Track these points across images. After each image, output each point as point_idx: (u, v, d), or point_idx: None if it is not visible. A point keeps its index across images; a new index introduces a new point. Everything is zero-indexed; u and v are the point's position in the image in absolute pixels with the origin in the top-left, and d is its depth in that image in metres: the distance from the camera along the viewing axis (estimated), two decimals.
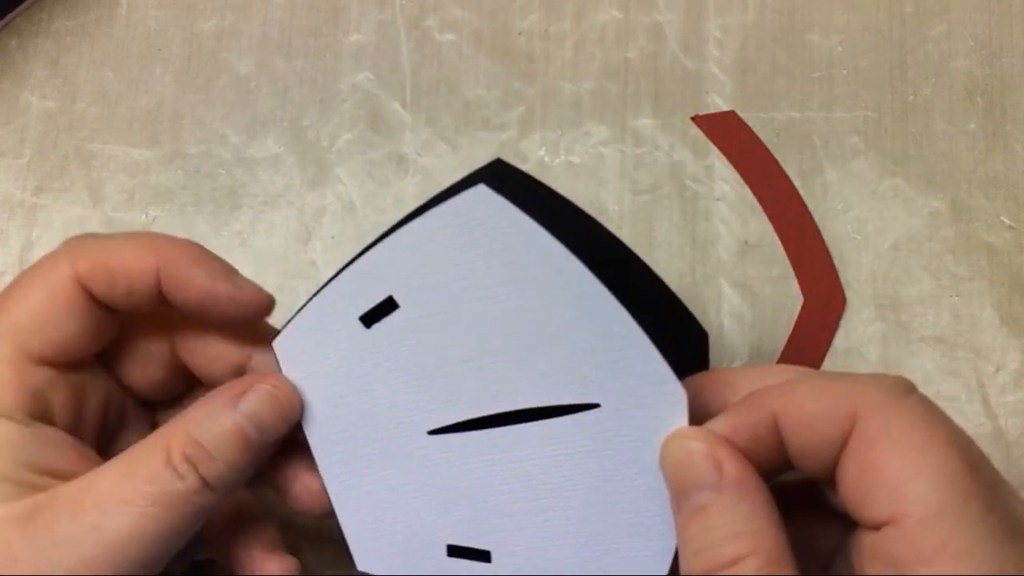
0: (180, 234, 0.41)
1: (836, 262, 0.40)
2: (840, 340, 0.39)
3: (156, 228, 0.41)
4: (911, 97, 0.41)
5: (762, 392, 0.27)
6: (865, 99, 0.41)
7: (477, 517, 0.30)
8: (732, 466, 0.26)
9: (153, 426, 0.34)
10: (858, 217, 0.40)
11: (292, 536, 0.37)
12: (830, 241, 0.40)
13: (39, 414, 0.30)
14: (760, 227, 0.40)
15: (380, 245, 0.30)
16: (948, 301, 0.39)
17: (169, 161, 0.41)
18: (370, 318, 0.30)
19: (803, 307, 0.39)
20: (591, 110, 0.41)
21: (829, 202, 0.40)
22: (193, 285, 0.30)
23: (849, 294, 0.39)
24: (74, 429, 0.31)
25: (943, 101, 0.41)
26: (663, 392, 0.28)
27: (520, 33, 0.42)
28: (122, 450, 0.33)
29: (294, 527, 0.37)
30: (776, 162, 0.41)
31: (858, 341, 0.39)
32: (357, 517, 0.32)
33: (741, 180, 0.41)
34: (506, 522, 0.30)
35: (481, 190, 0.28)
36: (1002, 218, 0.40)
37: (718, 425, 0.27)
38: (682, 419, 0.28)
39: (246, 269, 0.40)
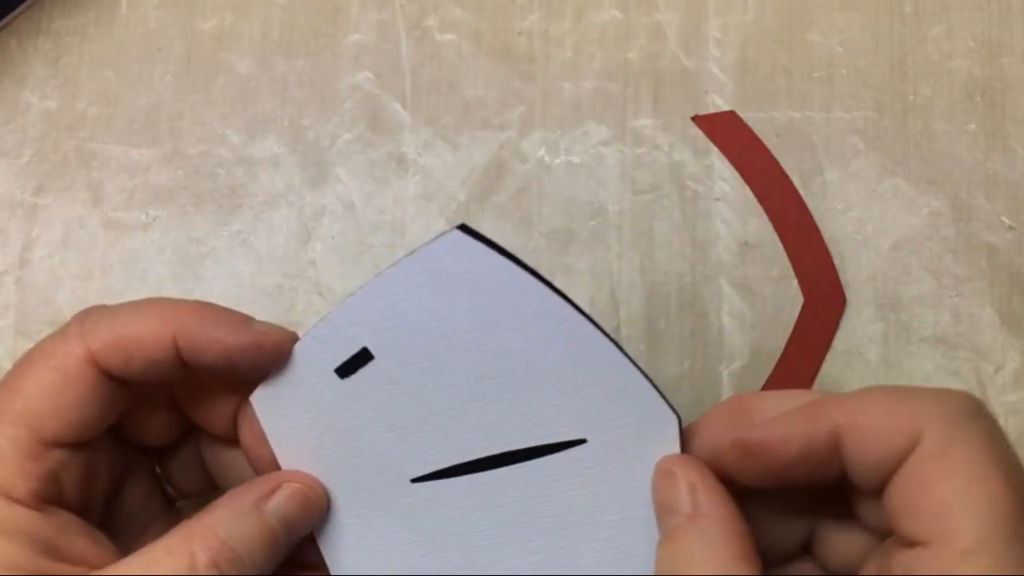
0: (180, 234, 0.41)
1: (836, 262, 0.40)
2: (840, 340, 0.39)
3: (156, 228, 0.41)
4: (911, 97, 0.41)
5: (823, 402, 0.27)
6: (865, 99, 0.41)
7: (469, 562, 0.30)
8: (705, 496, 0.27)
9: (154, 476, 0.33)
10: (858, 217, 0.40)
11: None
12: (830, 241, 0.40)
13: (51, 497, 0.29)
14: (760, 227, 0.40)
15: (354, 295, 0.29)
16: (948, 301, 0.39)
17: (169, 161, 0.41)
18: (345, 370, 0.30)
19: (803, 307, 0.39)
20: (591, 110, 0.41)
21: (829, 202, 0.40)
22: (215, 345, 0.29)
23: (849, 294, 0.39)
24: (84, 505, 0.30)
25: (943, 101, 0.41)
26: (654, 419, 0.29)
27: (520, 33, 0.42)
28: (126, 501, 0.32)
29: None
30: (776, 162, 0.41)
31: (858, 341, 0.39)
32: (348, 569, 0.31)
33: (741, 180, 0.41)
34: (499, 566, 0.30)
35: (455, 235, 0.28)
36: (1002, 218, 0.40)
37: (768, 430, 0.27)
38: (674, 445, 0.29)
39: (246, 269, 0.40)
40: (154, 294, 0.40)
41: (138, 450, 0.33)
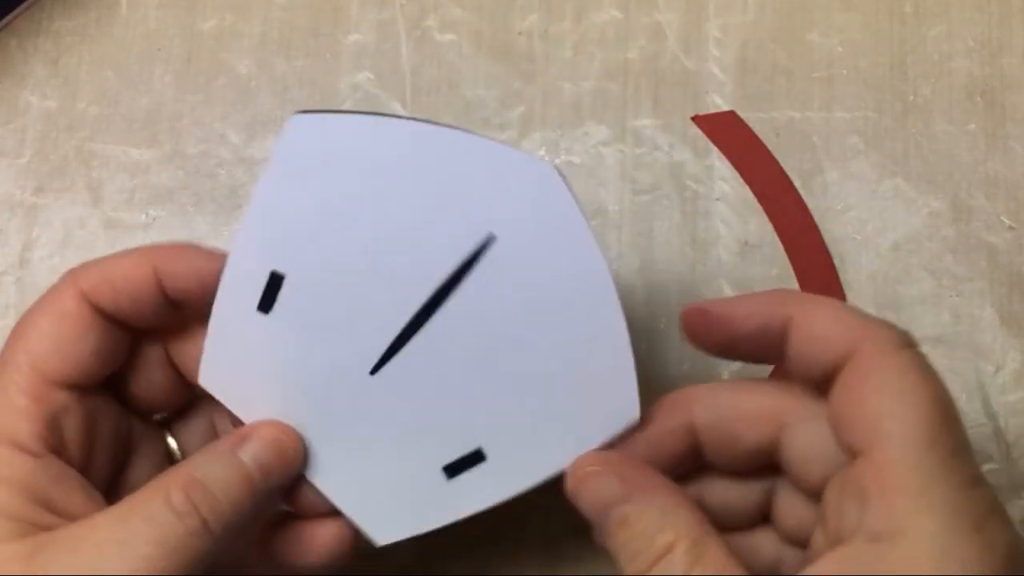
0: (180, 234, 0.41)
1: (836, 262, 0.40)
2: None
3: (156, 228, 0.41)
4: (911, 97, 0.41)
5: (784, 293, 0.30)
6: (865, 99, 0.41)
7: (455, 423, 0.30)
8: (632, 474, 0.29)
9: (166, 453, 0.34)
10: (858, 217, 0.40)
11: None
12: (830, 241, 0.40)
13: (53, 444, 0.30)
14: (760, 227, 0.40)
15: (237, 231, 0.30)
16: (948, 301, 0.39)
17: (169, 161, 0.42)
18: (266, 303, 0.30)
19: None
20: (591, 110, 0.41)
21: (829, 202, 0.40)
22: (192, 270, 0.30)
23: (849, 294, 0.39)
24: (86, 460, 0.31)
25: (943, 101, 0.41)
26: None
27: (520, 33, 0.42)
28: (135, 476, 0.33)
29: None
30: (776, 162, 0.41)
31: None
32: (353, 495, 0.31)
33: (741, 180, 0.41)
34: (481, 409, 0.30)
35: (293, 120, 0.29)
36: (1002, 218, 0.40)
37: (733, 304, 0.30)
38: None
39: None
40: None
41: (149, 423, 0.34)
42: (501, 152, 0.29)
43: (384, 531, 0.31)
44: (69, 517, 0.29)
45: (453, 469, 0.30)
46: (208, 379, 0.31)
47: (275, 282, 0.30)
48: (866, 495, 0.26)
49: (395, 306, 0.30)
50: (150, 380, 0.32)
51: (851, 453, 0.27)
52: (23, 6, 0.43)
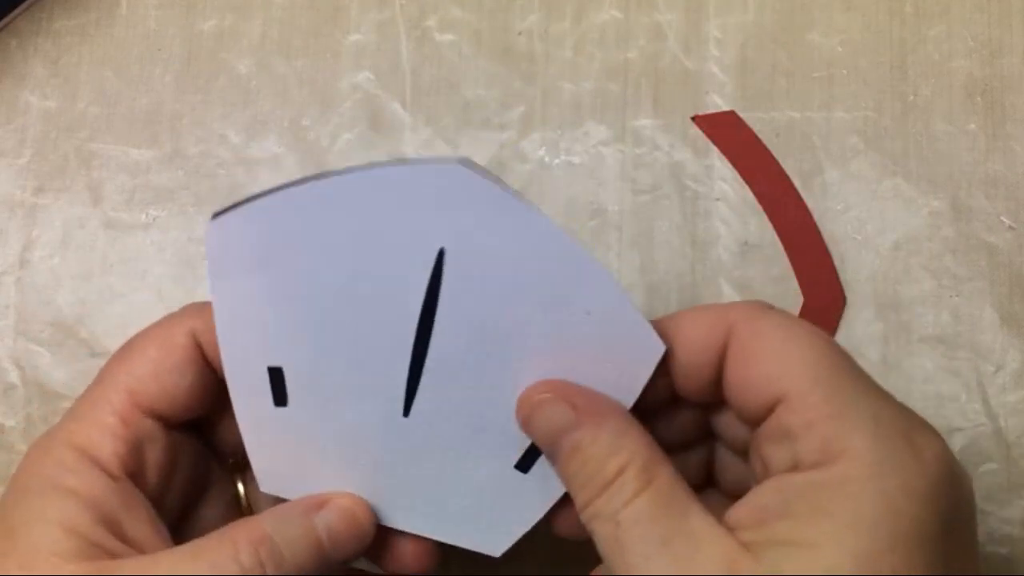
0: (180, 234, 0.41)
1: (836, 262, 0.40)
2: (840, 340, 0.39)
3: (156, 228, 0.41)
4: (911, 97, 0.41)
5: (658, 324, 0.30)
6: (865, 99, 0.41)
7: (504, 422, 0.30)
8: (582, 400, 0.29)
9: (234, 499, 0.34)
10: (858, 217, 0.40)
11: None
12: (830, 241, 0.40)
13: (132, 469, 0.30)
14: (760, 227, 0.40)
15: (218, 335, 0.30)
16: (948, 301, 0.39)
17: (169, 161, 0.41)
18: (279, 398, 0.31)
19: (803, 307, 0.39)
20: (591, 110, 0.41)
21: (829, 202, 0.40)
22: None
23: (849, 294, 0.39)
24: (161, 492, 0.31)
25: (943, 101, 0.41)
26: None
27: (520, 33, 0.42)
28: (203, 515, 0.33)
29: None
30: (776, 162, 0.41)
31: (858, 341, 0.39)
32: (450, 526, 0.31)
33: (741, 180, 0.41)
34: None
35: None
36: (1002, 218, 0.40)
37: None
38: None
39: None
40: (154, 294, 0.40)
41: (224, 466, 0.34)
42: (409, 173, 0.29)
43: (497, 542, 0.32)
44: (134, 546, 0.29)
45: (525, 463, 0.31)
46: (268, 485, 0.31)
47: (277, 376, 0.31)
48: (792, 434, 0.27)
49: (392, 348, 0.30)
50: (233, 427, 0.32)
51: (763, 414, 0.28)
52: (23, 6, 0.43)
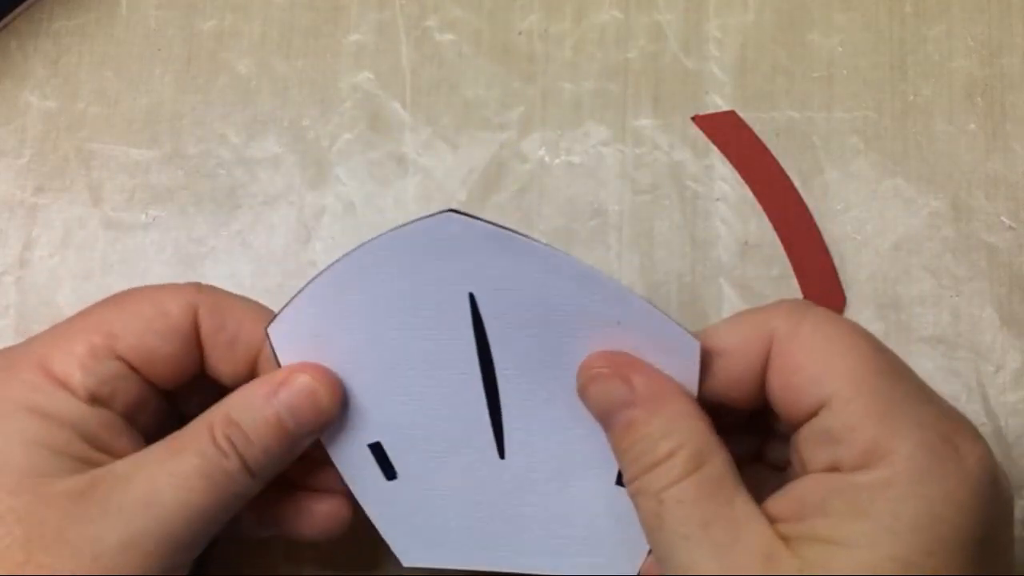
0: (180, 234, 0.41)
1: (836, 262, 0.40)
2: None
3: (156, 228, 0.41)
4: (911, 97, 0.41)
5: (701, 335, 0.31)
6: (865, 99, 0.41)
7: (594, 448, 0.30)
8: (641, 380, 0.29)
9: None
10: (858, 217, 0.40)
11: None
12: (830, 241, 0.40)
13: (102, 399, 0.30)
14: (760, 227, 0.40)
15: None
16: (948, 301, 0.39)
17: (169, 161, 0.41)
18: (388, 472, 0.32)
19: None
20: (591, 110, 0.41)
21: (829, 202, 0.40)
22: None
23: (849, 294, 0.39)
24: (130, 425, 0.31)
25: (943, 101, 0.41)
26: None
27: (520, 33, 0.42)
28: None
29: None
30: (776, 162, 0.41)
31: None
32: (582, 559, 0.32)
33: (741, 180, 0.41)
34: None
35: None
36: (1002, 218, 0.40)
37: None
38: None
39: (246, 269, 0.40)
40: None
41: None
42: (410, 231, 0.30)
43: (627, 562, 0.32)
44: (117, 457, 0.29)
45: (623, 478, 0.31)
46: (410, 559, 0.32)
47: (379, 451, 0.31)
48: (834, 438, 0.27)
49: (466, 397, 0.31)
50: (202, 401, 0.32)
51: (806, 418, 0.28)
52: (23, 6, 0.43)
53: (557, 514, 0.31)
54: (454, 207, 0.30)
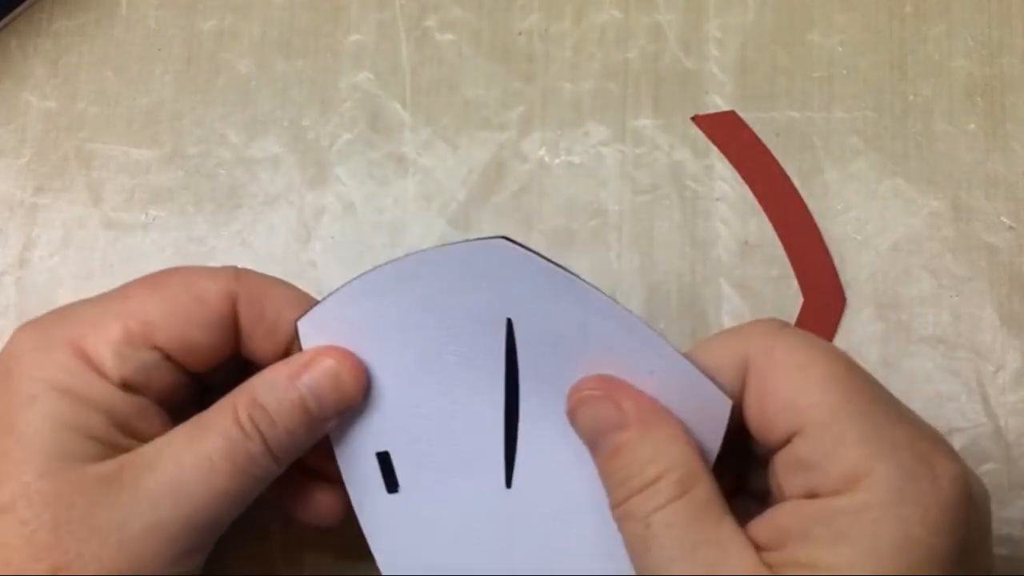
0: (180, 234, 0.41)
1: (836, 262, 0.40)
2: (840, 340, 0.39)
3: (156, 228, 0.41)
4: (911, 97, 0.41)
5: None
6: (865, 99, 0.41)
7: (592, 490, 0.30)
8: (631, 403, 0.29)
9: None
10: (858, 217, 0.40)
11: (292, 534, 0.37)
12: (830, 241, 0.40)
13: (137, 387, 0.30)
14: (760, 227, 0.40)
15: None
16: (948, 301, 0.39)
17: (169, 161, 0.41)
18: (391, 484, 0.31)
19: (803, 307, 0.39)
20: (591, 110, 0.41)
21: (829, 202, 0.40)
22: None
23: (849, 294, 0.39)
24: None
25: (943, 101, 0.41)
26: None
27: (520, 33, 0.42)
28: None
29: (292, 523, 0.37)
30: (776, 162, 0.41)
31: (858, 341, 0.39)
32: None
33: (741, 180, 0.41)
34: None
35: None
36: (1002, 218, 0.40)
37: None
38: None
39: None
40: None
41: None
42: (460, 250, 0.30)
43: None
44: (146, 440, 0.30)
45: None
46: (389, 567, 0.32)
47: (386, 461, 0.31)
48: (809, 464, 0.27)
49: (485, 422, 0.31)
50: (227, 376, 0.33)
51: (782, 445, 0.28)
52: (23, 6, 0.43)
53: (551, 556, 0.31)
54: (505, 235, 0.30)
